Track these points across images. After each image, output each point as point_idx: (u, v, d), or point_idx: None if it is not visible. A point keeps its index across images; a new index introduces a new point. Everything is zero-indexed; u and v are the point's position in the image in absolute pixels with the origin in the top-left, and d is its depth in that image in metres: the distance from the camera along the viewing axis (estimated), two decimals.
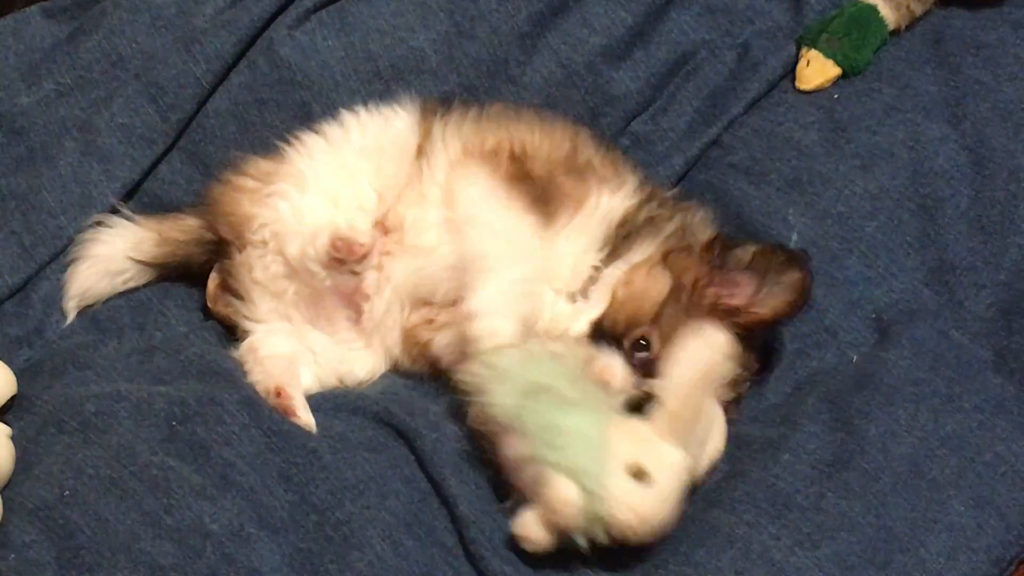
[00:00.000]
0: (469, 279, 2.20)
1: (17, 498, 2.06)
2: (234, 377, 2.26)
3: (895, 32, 2.63)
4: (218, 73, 2.55)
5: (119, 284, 2.47)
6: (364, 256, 2.30)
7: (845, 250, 2.40)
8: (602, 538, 1.99)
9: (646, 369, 2.17)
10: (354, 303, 2.36)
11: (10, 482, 2.10)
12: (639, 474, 1.98)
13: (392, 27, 2.55)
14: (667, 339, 2.17)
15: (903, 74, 2.57)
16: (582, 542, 1.99)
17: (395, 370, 2.38)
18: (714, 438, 2.16)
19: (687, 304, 2.20)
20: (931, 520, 2.05)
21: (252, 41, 2.56)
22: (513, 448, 2.03)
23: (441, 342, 2.29)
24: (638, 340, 2.19)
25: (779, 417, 2.24)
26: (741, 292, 2.21)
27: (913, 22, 2.64)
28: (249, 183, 2.39)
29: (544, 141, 2.36)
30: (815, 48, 2.60)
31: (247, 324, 2.39)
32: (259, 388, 2.26)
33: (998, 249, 2.38)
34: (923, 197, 2.43)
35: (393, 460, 2.14)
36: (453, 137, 2.37)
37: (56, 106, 2.55)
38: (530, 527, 2.00)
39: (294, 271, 2.34)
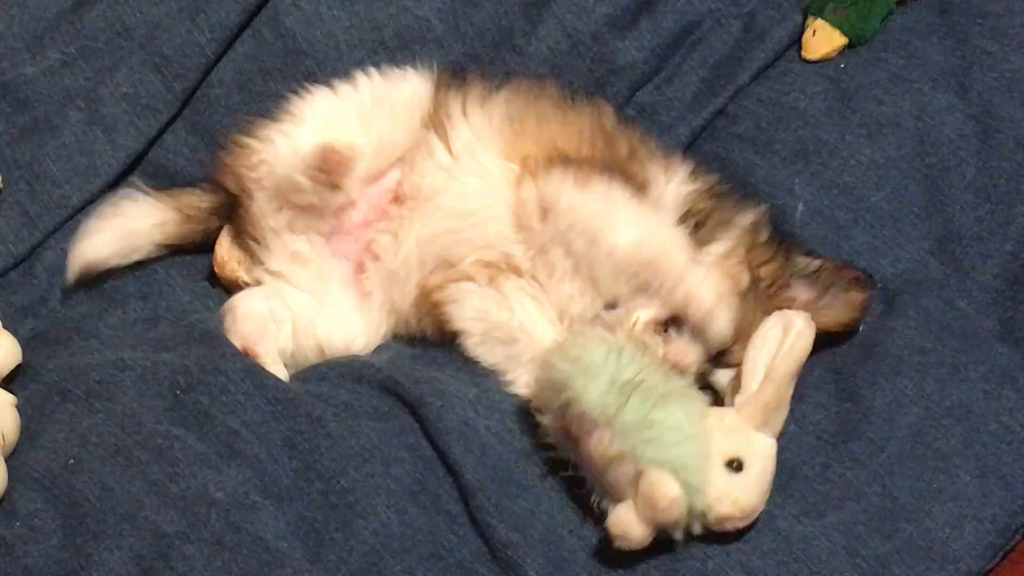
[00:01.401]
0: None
1: (22, 467, 2.07)
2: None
3: (902, 1, 2.62)
4: (223, 42, 2.54)
5: (130, 259, 2.46)
6: (346, 170, 2.29)
7: (851, 220, 2.40)
8: (698, 529, 2.00)
9: (716, 359, 2.19)
10: (358, 261, 2.37)
11: (15, 451, 2.11)
12: (737, 465, 1.99)
13: None
14: (741, 335, 2.17)
15: (910, 43, 2.56)
16: (679, 535, 1.99)
17: (396, 330, 2.39)
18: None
19: (759, 299, 2.21)
20: (937, 490, 2.05)
21: (257, 10, 2.55)
22: (603, 445, 1.99)
23: (460, 295, 2.29)
24: None
25: None
26: (798, 299, 2.22)
27: None
28: (254, 143, 2.38)
29: (573, 139, 2.35)
30: (821, 17, 2.60)
31: (259, 274, 2.40)
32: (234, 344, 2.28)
33: (1004, 219, 2.38)
34: (929, 167, 2.43)
35: (398, 428, 2.14)
36: (482, 119, 2.37)
37: (61, 76, 2.54)
38: (629, 525, 1.96)
39: (291, 212, 2.35)
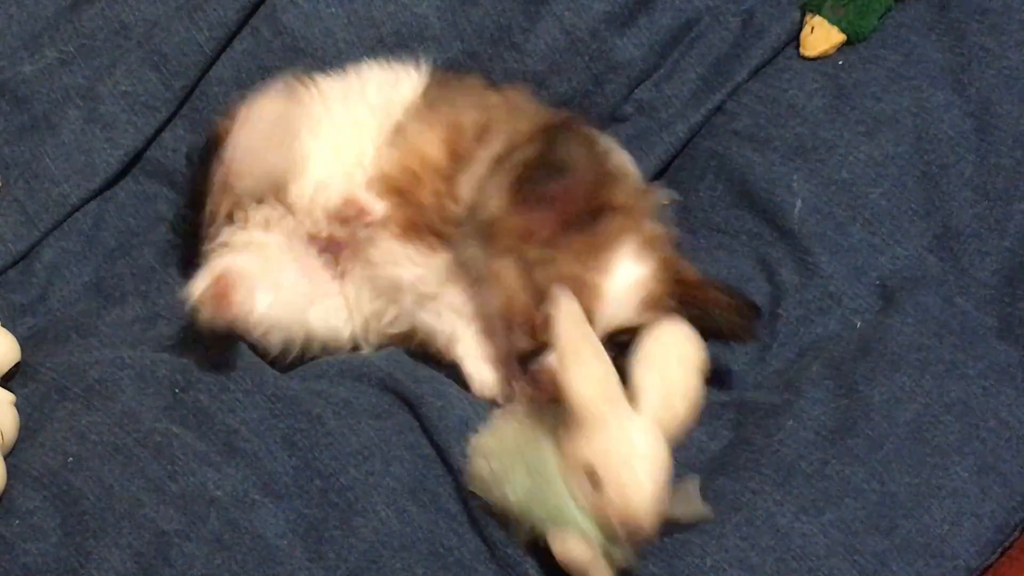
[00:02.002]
0: None
1: (21, 465, 2.07)
2: (237, 343, 2.26)
3: None
4: (221, 40, 2.54)
5: None
6: (371, 224, 2.27)
7: (849, 217, 2.40)
8: (625, 555, 1.94)
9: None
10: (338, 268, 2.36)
11: (14, 449, 2.11)
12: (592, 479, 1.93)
13: None
14: None
15: (908, 40, 2.56)
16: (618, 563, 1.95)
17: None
18: None
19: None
20: (935, 486, 2.05)
21: (255, 8, 2.55)
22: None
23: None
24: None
25: (782, 383, 2.24)
26: None
27: None
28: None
29: (431, 148, 2.33)
30: (819, 14, 2.60)
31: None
32: (197, 293, 2.14)
33: (1003, 216, 2.38)
34: (928, 164, 2.43)
35: (398, 426, 2.14)
36: None
37: (59, 74, 2.54)
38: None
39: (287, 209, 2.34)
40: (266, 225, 2.33)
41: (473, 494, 2.03)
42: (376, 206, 2.26)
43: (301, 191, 2.30)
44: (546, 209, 2.12)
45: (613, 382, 1.94)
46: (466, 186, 2.24)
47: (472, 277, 2.21)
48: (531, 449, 1.98)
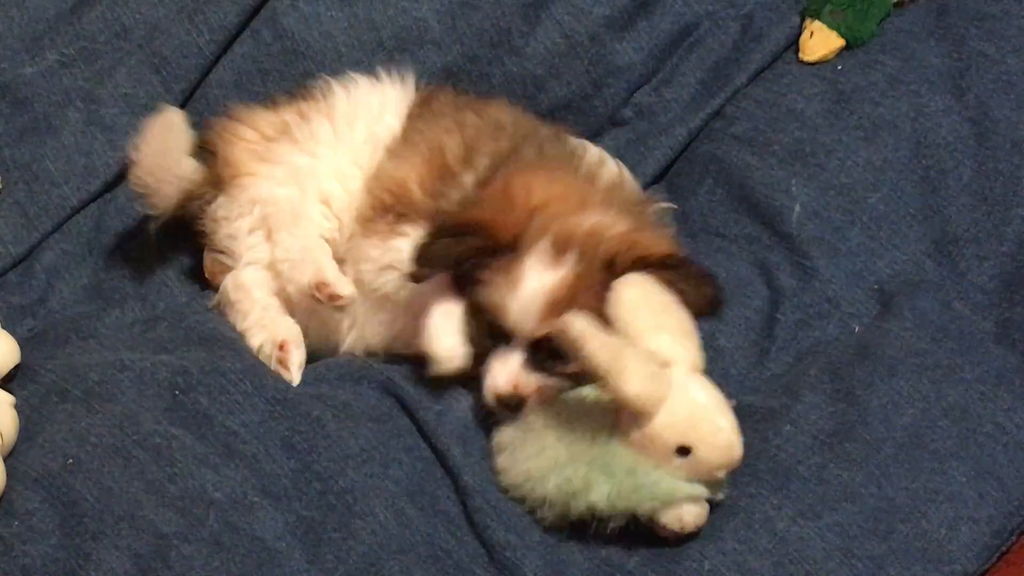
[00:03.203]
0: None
1: (21, 466, 2.06)
2: (236, 345, 2.27)
3: (899, 4, 2.63)
4: (221, 43, 2.55)
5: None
6: (342, 307, 2.27)
7: (848, 221, 2.40)
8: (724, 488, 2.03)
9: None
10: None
11: (14, 451, 2.10)
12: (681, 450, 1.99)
13: None
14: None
15: (906, 46, 2.56)
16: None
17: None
18: None
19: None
20: (932, 491, 2.05)
21: (255, 11, 2.56)
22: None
23: None
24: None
25: (780, 388, 2.24)
26: None
27: None
28: (250, 134, 2.39)
29: (412, 172, 2.33)
30: (819, 19, 2.60)
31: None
32: (257, 331, 2.28)
33: (1001, 221, 2.39)
34: (926, 169, 2.44)
35: (397, 429, 2.14)
36: None
37: (60, 76, 2.54)
38: None
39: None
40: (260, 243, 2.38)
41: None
42: (346, 289, 2.25)
43: (285, 253, 2.32)
44: None
45: (651, 363, 1.97)
46: (449, 199, 2.25)
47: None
48: (592, 456, 2.00)
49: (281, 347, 2.25)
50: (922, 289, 2.33)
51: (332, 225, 2.34)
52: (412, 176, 2.29)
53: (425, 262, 2.11)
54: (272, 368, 2.23)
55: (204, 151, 2.42)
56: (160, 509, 1.99)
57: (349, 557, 1.99)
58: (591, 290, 2.08)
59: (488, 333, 2.14)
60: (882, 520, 2.02)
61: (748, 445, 2.13)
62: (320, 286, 2.24)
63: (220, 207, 2.39)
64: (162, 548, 1.96)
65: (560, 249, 2.09)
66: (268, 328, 2.28)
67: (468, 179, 2.25)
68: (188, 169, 2.38)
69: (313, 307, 2.30)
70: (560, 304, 2.07)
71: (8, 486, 2.03)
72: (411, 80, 2.45)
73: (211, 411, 2.11)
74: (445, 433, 2.12)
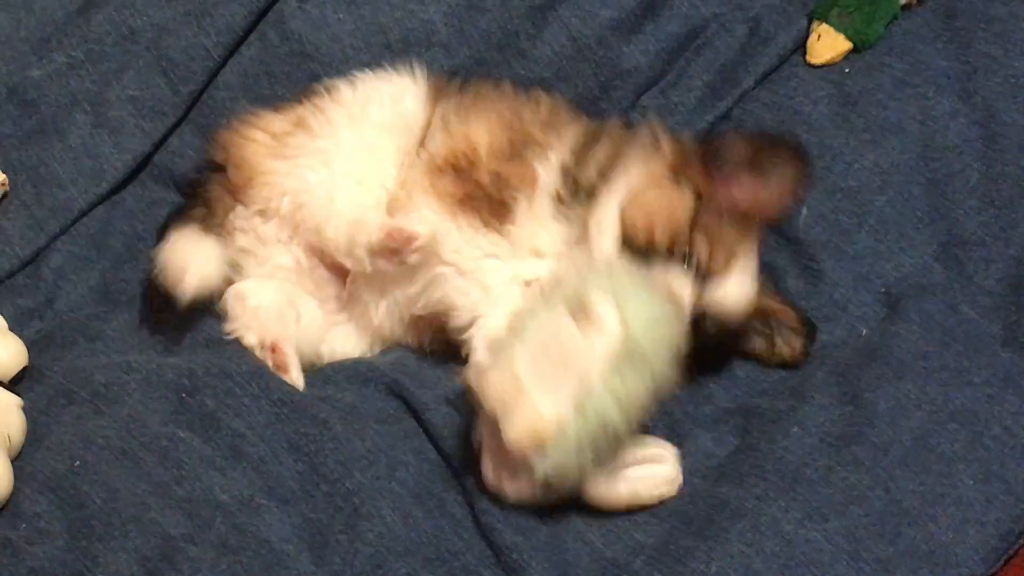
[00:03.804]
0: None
1: (28, 468, 2.07)
2: (243, 348, 2.27)
3: (906, 6, 2.62)
4: (228, 46, 2.55)
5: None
6: (420, 247, 2.23)
7: (855, 224, 2.40)
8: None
9: (698, 275, 2.17)
10: (348, 289, 2.36)
11: (21, 453, 2.11)
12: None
13: (403, 0, 2.55)
14: (713, 244, 2.17)
15: (914, 48, 2.56)
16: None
17: (397, 344, 2.39)
18: None
19: (715, 209, 2.19)
20: (940, 494, 2.05)
21: (263, 13, 2.56)
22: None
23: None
24: (682, 252, 2.17)
25: (788, 390, 2.24)
26: (748, 190, 2.20)
27: None
28: (260, 136, 2.38)
29: (485, 136, 2.33)
30: (826, 22, 2.60)
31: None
32: (247, 338, 2.27)
33: (1008, 224, 2.39)
34: (933, 172, 2.44)
35: (403, 432, 2.15)
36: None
37: (67, 78, 2.55)
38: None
39: (298, 239, 2.34)
40: (281, 248, 2.37)
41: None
42: (421, 227, 2.23)
43: (336, 232, 2.29)
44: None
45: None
46: (547, 169, 2.27)
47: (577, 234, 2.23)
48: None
49: (273, 349, 2.25)
50: (929, 292, 2.33)
51: (370, 200, 2.31)
52: (485, 135, 2.32)
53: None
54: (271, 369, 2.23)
55: (212, 167, 2.43)
56: (167, 511, 2.00)
57: (356, 559, 1.99)
58: None
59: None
60: (889, 523, 2.02)
61: (755, 447, 2.14)
62: (393, 233, 2.21)
63: (239, 216, 2.38)
64: (169, 550, 1.96)
65: None
66: (255, 329, 2.28)
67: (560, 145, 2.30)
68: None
69: (349, 297, 2.32)
70: None
71: (15, 488, 2.04)
72: (420, 71, 2.44)
73: (218, 413, 2.11)
74: (451, 436, 2.12)
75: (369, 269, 2.26)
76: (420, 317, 2.32)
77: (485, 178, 2.27)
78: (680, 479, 2.09)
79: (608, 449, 1.99)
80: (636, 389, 1.98)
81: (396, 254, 2.22)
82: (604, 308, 1.98)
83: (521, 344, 2.00)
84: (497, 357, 2.01)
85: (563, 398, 1.95)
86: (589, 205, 2.23)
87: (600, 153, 2.28)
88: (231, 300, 2.33)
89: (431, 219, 2.25)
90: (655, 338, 1.99)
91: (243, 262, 2.38)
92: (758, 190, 2.19)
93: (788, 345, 2.29)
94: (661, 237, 2.17)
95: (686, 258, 2.17)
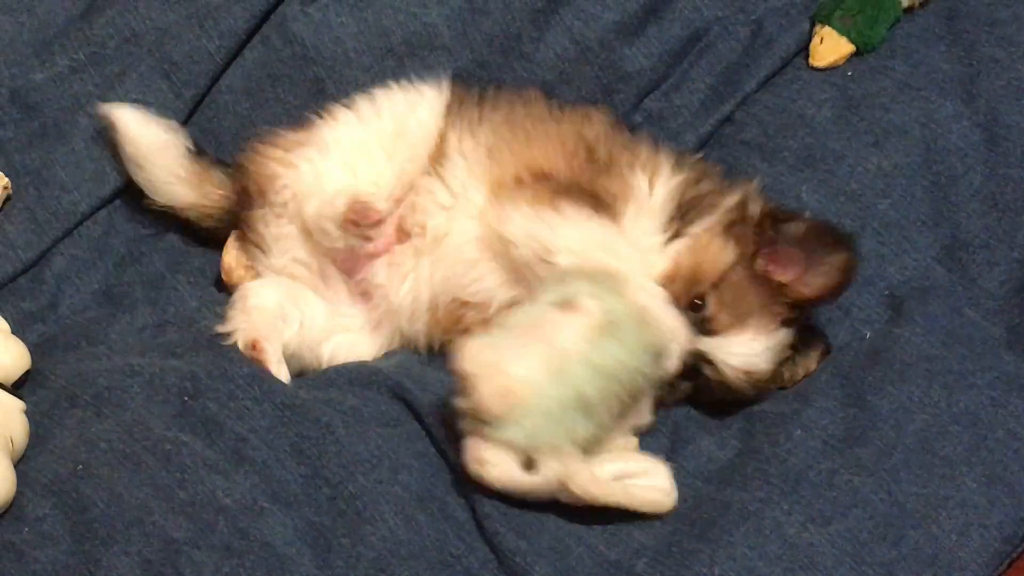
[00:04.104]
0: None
1: (31, 472, 2.07)
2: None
3: (909, 9, 2.63)
4: (231, 49, 2.55)
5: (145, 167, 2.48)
6: (378, 223, 2.30)
7: (858, 227, 2.40)
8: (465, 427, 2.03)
9: (700, 326, 2.19)
10: (364, 289, 2.36)
11: (24, 456, 2.11)
12: (529, 464, 2.01)
13: (405, 3, 2.55)
14: (725, 304, 2.20)
15: (917, 51, 2.56)
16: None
17: (404, 346, 2.39)
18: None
19: (748, 277, 2.22)
20: (943, 497, 2.05)
21: (265, 17, 2.56)
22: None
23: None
24: (694, 299, 2.20)
25: (791, 393, 2.24)
26: (791, 268, 2.22)
27: None
28: (277, 152, 2.39)
29: (556, 156, 2.34)
30: (829, 25, 2.60)
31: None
32: (237, 337, 2.28)
33: (1012, 227, 2.39)
34: (936, 174, 2.44)
35: (406, 435, 2.14)
36: (471, 150, 2.36)
37: (70, 82, 2.55)
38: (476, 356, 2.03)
39: (308, 234, 2.35)
40: (292, 247, 2.38)
41: None
42: (380, 203, 2.29)
43: (312, 208, 2.32)
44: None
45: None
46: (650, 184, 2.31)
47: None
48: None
49: (254, 346, 2.26)
50: (933, 295, 2.32)
51: (357, 185, 2.33)
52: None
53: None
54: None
55: (233, 176, 2.45)
56: (170, 515, 2.00)
57: (359, 563, 1.99)
58: None
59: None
60: (892, 526, 2.02)
61: (758, 450, 2.14)
62: (355, 204, 2.26)
63: (265, 212, 2.40)
64: (172, 554, 1.96)
65: None
66: (244, 329, 2.29)
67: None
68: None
69: (369, 288, 2.35)
70: None
71: (18, 492, 2.04)
72: (446, 82, 2.45)
73: (220, 417, 2.11)
74: (454, 439, 2.11)
75: (339, 244, 2.32)
76: (442, 307, 2.33)
77: (567, 182, 2.30)
78: (675, 494, 2.08)
79: (585, 423, 2.01)
80: (612, 364, 2.01)
81: (356, 227, 2.28)
82: (588, 301, 2.02)
83: (504, 327, 2.05)
84: (481, 336, 2.05)
85: (535, 363, 1.98)
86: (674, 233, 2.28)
87: (704, 189, 2.32)
88: (234, 300, 2.34)
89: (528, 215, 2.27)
90: (633, 335, 2.03)
91: (266, 259, 2.40)
92: (802, 270, 2.22)
93: (803, 366, 2.29)
94: (681, 280, 2.22)
95: (695, 304, 2.20)
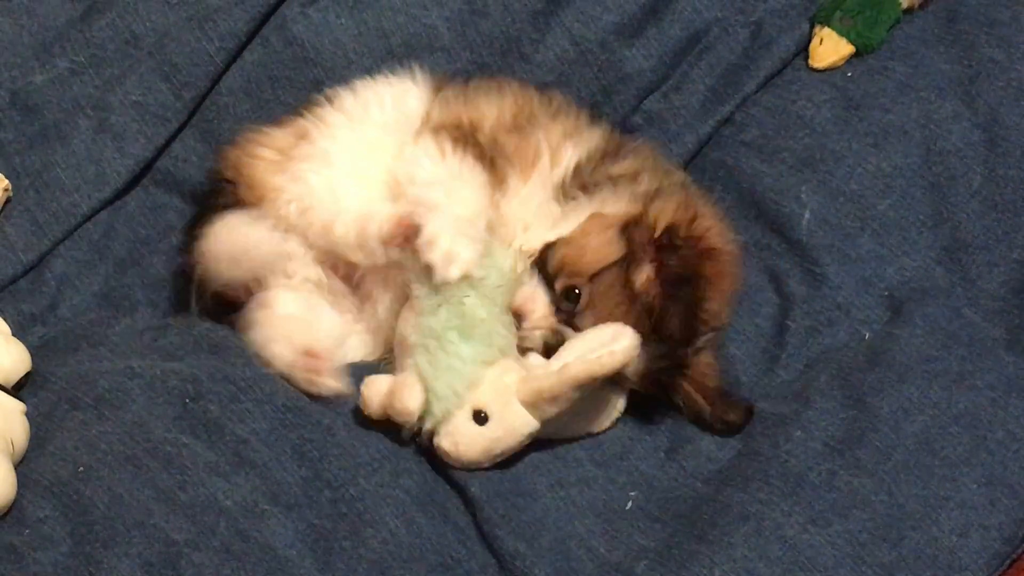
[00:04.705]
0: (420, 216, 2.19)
1: (32, 474, 2.07)
2: (247, 354, 2.25)
3: (908, 10, 2.63)
4: (231, 51, 2.55)
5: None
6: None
7: (858, 228, 2.40)
8: (424, 443, 2.11)
9: (568, 318, 2.18)
10: (363, 293, 2.35)
11: (25, 458, 2.11)
12: (482, 417, 2.08)
13: (405, 4, 2.55)
14: (595, 302, 2.17)
15: (916, 52, 2.56)
16: (404, 434, 2.11)
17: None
18: (602, 421, 2.21)
19: (622, 283, 2.18)
20: (943, 498, 2.05)
21: (265, 19, 2.55)
22: (403, 323, 2.16)
23: None
24: (570, 289, 2.18)
25: (791, 394, 2.24)
26: (660, 303, 2.17)
27: (927, 0, 2.64)
28: (267, 153, 2.38)
29: (491, 108, 2.35)
30: (828, 26, 2.60)
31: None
32: (278, 347, 2.22)
33: (1011, 227, 2.39)
34: (936, 175, 2.44)
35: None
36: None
37: (70, 84, 2.55)
38: (372, 397, 2.11)
39: (311, 244, 2.33)
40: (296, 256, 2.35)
41: None
42: (418, 218, 2.22)
43: (345, 228, 2.27)
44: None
45: None
46: (556, 155, 2.31)
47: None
48: (472, 306, 2.13)
49: (309, 354, 2.20)
50: (932, 296, 2.33)
51: (374, 195, 2.31)
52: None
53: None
54: (300, 382, 2.19)
55: (220, 181, 2.42)
56: (171, 517, 2.00)
57: (359, 565, 1.99)
58: None
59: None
60: (893, 527, 2.03)
61: (758, 451, 2.14)
62: (400, 223, 2.20)
63: None
64: (172, 556, 1.96)
65: None
66: (288, 337, 2.23)
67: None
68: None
69: (366, 294, 2.33)
70: None
71: (19, 494, 2.04)
72: (421, 72, 2.45)
73: (221, 419, 2.11)
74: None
75: (383, 261, 2.25)
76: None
77: (484, 140, 2.29)
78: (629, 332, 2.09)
79: (469, 345, 2.11)
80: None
81: (408, 242, 2.21)
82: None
83: None
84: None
85: None
86: (571, 208, 2.26)
87: (616, 169, 2.29)
88: (257, 310, 2.29)
89: None
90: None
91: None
92: (665, 301, 2.16)
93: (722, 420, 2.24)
94: (562, 264, 2.19)
95: (569, 294, 2.18)
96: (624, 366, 2.08)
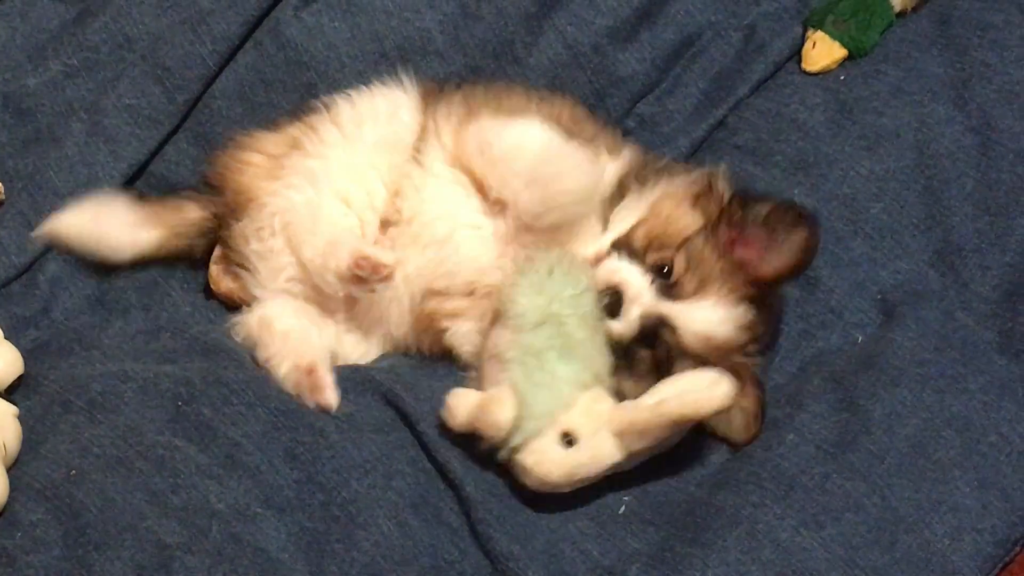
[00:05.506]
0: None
1: (24, 477, 2.07)
2: (239, 356, 2.26)
3: (901, 14, 2.63)
4: (224, 54, 2.55)
5: (107, 256, 2.46)
6: (388, 277, 2.26)
7: (851, 231, 2.41)
8: (504, 458, 2.10)
9: (665, 291, 2.19)
10: (353, 299, 2.35)
11: (17, 461, 2.11)
12: (568, 441, 2.07)
13: (399, 8, 2.55)
14: (691, 267, 2.20)
15: (909, 56, 2.57)
16: (483, 446, 2.10)
17: (394, 350, 2.40)
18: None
19: (712, 246, 2.21)
20: (936, 501, 2.05)
21: (259, 22, 2.56)
22: (495, 339, 2.15)
23: (459, 330, 2.30)
24: (660, 264, 2.20)
25: (784, 397, 2.24)
26: (753, 248, 2.21)
27: (919, 4, 2.64)
28: (257, 158, 2.39)
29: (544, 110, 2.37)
30: (821, 30, 2.61)
31: (256, 293, 2.39)
32: (282, 363, 2.25)
33: (1004, 231, 2.39)
34: (929, 179, 2.44)
35: (400, 441, 2.15)
36: (444, 126, 2.36)
37: (63, 87, 2.54)
38: (459, 408, 2.11)
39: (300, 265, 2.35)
40: (281, 263, 2.38)
41: None
42: (387, 257, 2.25)
43: (312, 253, 2.30)
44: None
45: None
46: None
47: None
48: (569, 325, 2.14)
49: (309, 372, 2.22)
50: (925, 299, 2.33)
51: (353, 223, 2.34)
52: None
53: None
54: (305, 396, 2.20)
55: (209, 187, 2.44)
56: (163, 520, 2.00)
57: (352, 568, 1.99)
58: None
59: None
60: (885, 530, 2.03)
61: (751, 454, 2.14)
62: (361, 261, 2.22)
63: (245, 227, 2.39)
64: (165, 559, 1.96)
65: None
66: (290, 355, 2.26)
67: None
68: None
69: (354, 298, 2.33)
70: None
71: (11, 497, 2.04)
72: (409, 81, 2.45)
73: (214, 422, 2.11)
74: (445, 447, 2.12)
75: (340, 294, 2.29)
76: (420, 302, 2.33)
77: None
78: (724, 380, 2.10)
79: (567, 365, 2.11)
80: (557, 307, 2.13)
81: (363, 282, 2.24)
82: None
83: None
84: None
85: None
86: (633, 199, 2.29)
87: (662, 164, 2.35)
88: (257, 328, 2.32)
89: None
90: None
91: (260, 265, 2.39)
92: (762, 249, 2.20)
93: (744, 425, 2.22)
94: (647, 240, 2.21)
95: (660, 268, 2.20)
96: (721, 412, 2.08)
